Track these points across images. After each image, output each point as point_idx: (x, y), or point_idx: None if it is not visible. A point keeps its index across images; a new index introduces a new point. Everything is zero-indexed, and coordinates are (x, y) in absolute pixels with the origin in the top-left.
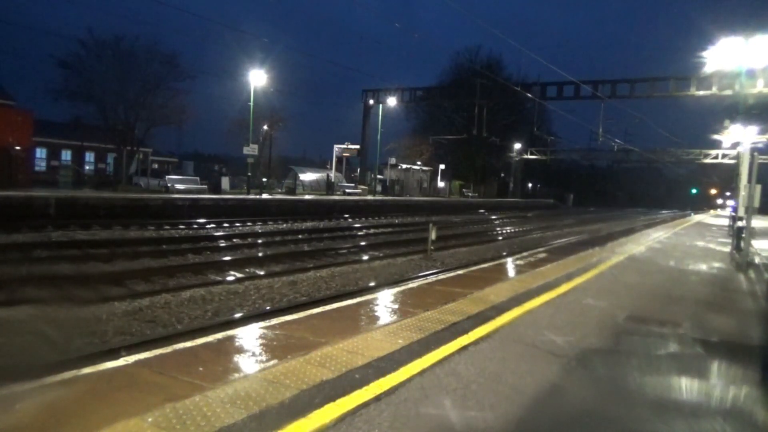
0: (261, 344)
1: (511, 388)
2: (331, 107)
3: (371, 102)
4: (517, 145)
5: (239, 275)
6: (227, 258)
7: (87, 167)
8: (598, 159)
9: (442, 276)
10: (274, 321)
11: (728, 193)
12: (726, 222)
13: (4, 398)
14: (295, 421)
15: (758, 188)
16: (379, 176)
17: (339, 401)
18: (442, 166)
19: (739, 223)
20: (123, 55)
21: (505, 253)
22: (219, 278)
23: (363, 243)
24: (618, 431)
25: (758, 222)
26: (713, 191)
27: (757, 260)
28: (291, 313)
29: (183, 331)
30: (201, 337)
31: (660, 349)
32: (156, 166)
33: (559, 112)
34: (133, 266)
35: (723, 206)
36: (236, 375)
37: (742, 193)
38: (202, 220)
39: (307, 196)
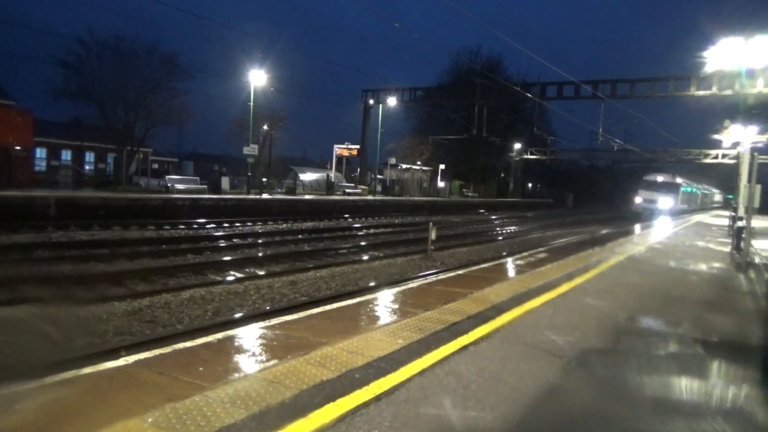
0: (261, 344)
1: (512, 388)
2: (331, 107)
3: (371, 102)
4: (517, 145)
5: (239, 275)
6: (227, 258)
7: (87, 167)
8: (598, 159)
9: (442, 276)
10: (274, 321)
11: (655, 177)
12: (726, 222)
13: (4, 398)
14: (295, 421)
15: (758, 188)
16: (379, 176)
17: (339, 401)
18: (442, 166)
19: (739, 223)
20: (123, 55)
21: (505, 253)
22: (219, 278)
23: (363, 243)
24: (618, 431)
25: (758, 222)
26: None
27: (757, 260)
28: (291, 313)
29: (183, 331)
30: (201, 337)
31: (660, 349)
32: (156, 166)
33: (559, 112)
34: (133, 266)
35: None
36: (236, 375)
37: (742, 192)
38: (202, 220)
39: (307, 196)
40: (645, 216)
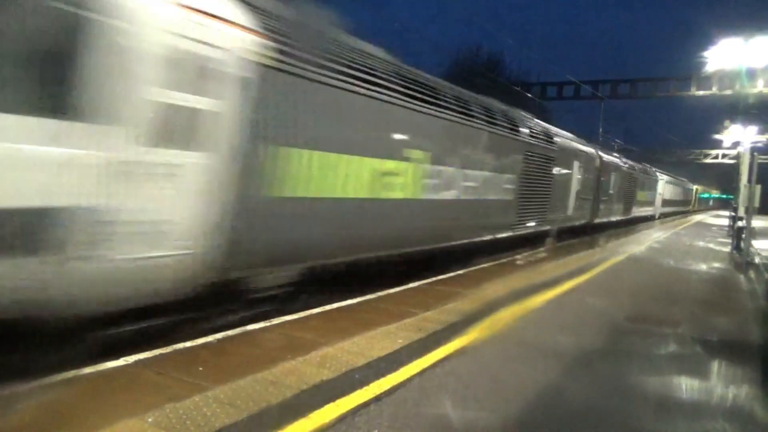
0: (261, 344)
1: (511, 387)
2: None
3: None
4: None
5: None
6: None
7: None
8: None
9: (442, 276)
10: (274, 321)
11: None
12: (726, 222)
13: (4, 398)
14: (295, 421)
15: (758, 188)
16: None
17: (339, 401)
18: None
19: (739, 223)
20: None
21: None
22: None
23: None
24: (618, 430)
25: (758, 222)
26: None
27: (757, 260)
28: (291, 313)
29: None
30: (201, 337)
31: (660, 348)
32: None
33: (559, 112)
34: None
35: None
36: (236, 375)
37: (742, 192)
38: None
39: None
40: None
